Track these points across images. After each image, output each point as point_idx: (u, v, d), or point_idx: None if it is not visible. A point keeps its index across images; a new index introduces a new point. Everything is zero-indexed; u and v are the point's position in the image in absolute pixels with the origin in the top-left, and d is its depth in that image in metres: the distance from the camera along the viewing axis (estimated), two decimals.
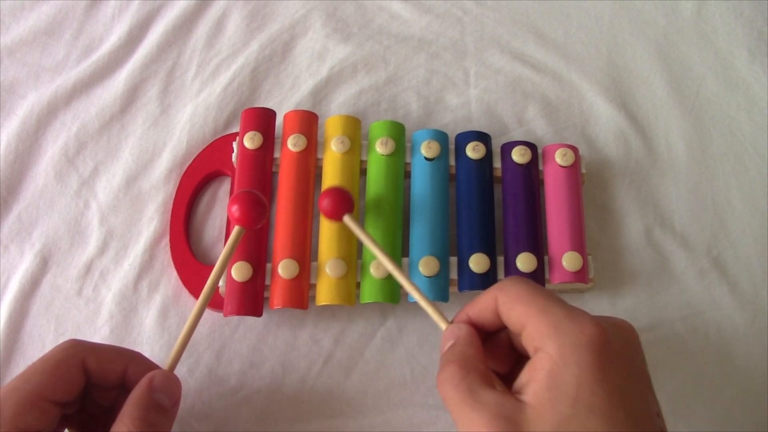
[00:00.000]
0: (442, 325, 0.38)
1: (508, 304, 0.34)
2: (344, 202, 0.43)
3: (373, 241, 0.42)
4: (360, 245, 0.46)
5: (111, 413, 0.36)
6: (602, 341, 0.30)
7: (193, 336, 0.39)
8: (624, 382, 0.30)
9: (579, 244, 0.46)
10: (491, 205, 0.47)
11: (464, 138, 0.49)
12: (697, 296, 0.49)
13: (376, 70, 0.55)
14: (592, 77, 0.56)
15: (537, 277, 0.45)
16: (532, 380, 0.31)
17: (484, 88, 0.55)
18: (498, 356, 0.37)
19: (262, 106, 0.52)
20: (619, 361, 0.31)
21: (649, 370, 0.33)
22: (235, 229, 0.40)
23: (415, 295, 0.39)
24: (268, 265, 0.45)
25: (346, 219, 0.43)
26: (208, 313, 0.46)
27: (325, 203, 0.43)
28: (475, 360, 0.34)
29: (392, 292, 0.44)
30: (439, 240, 0.45)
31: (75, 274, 0.47)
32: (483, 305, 0.35)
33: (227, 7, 0.56)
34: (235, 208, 0.40)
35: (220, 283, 0.45)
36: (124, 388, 0.37)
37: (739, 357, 0.47)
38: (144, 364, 0.38)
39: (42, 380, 0.34)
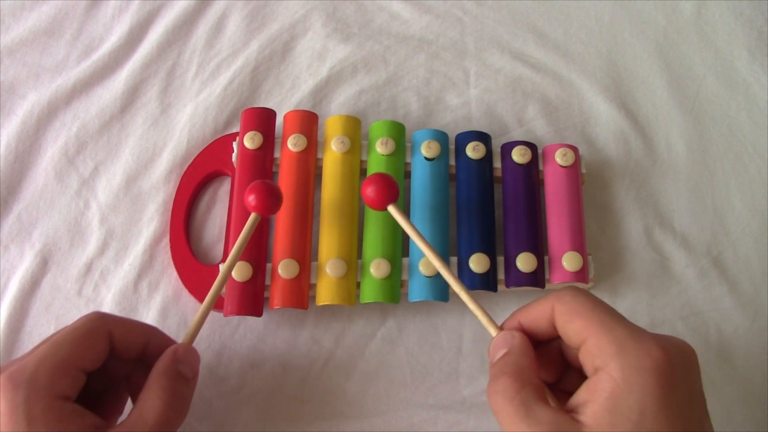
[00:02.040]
0: (492, 331, 0.36)
1: (567, 316, 0.33)
2: (389, 190, 0.41)
3: (419, 234, 0.41)
4: (360, 246, 0.46)
5: (112, 390, 0.39)
6: (667, 366, 0.30)
7: None
8: (684, 408, 0.30)
9: (579, 244, 0.46)
10: (491, 205, 0.47)
11: (464, 138, 0.49)
12: (697, 296, 0.49)
13: (376, 70, 0.55)
14: (592, 77, 0.56)
15: (537, 277, 0.45)
16: (592, 401, 0.30)
17: (484, 88, 0.55)
18: (547, 365, 0.36)
19: (262, 106, 0.52)
20: (681, 386, 0.30)
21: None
22: (252, 216, 0.41)
23: (463, 296, 0.38)
24: (269, 265, 0.45)
25: (391, 208, 0.42)
26: (209, 314, 0.46)
27: (368, 192, 0.41)
28: (530, 372, 0.33)
29: (392, 292, 0.44)
30: (439, 240, 0.45)
31: (75, 274, 0.47)
32: (538, 314, 0.35)
33: (227, 7, 0.56)
34: (252, 197, 0.41)
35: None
36: (140, 361, 0.38)
37: (739, 357, 0.47)
38: (163, 338, 0.39)
39: (73, 348, 0.35)
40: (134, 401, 0.39)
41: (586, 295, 0.34)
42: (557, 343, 0.36)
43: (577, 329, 0.32)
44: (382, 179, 0.42)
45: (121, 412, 0.40)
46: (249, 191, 0.41)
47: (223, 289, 0.44)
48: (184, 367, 0.37)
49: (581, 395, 0.31)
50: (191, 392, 0.37)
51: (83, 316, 0.37)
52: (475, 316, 0.38)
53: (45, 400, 0.32)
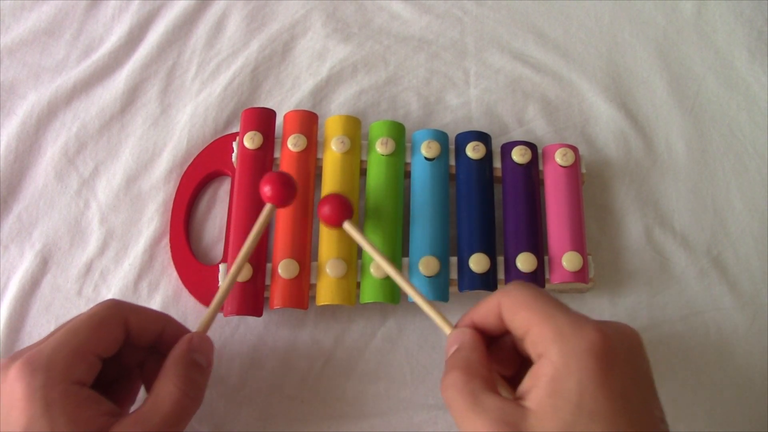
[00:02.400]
0: (446, 330, 0.38)
1: (512, 309, 0.34)
2: (343, 208, 0.43)
3: (373, 246, 0.42)
4: (360, 246, 0.46)
5: (125, 377, 0.39)
6: (605, 348, 0.31)
7: None
8: (626, 388, 0.31)
9: (579, 244, 0.46)
10: (491, 205, 0.47)
11: (464, 138, 0.49)
12: (697, 296, 0.49)
13: (376, 70, 0.55)
14: (592, 77, 0.56)
15: (537, 277, 0.45)
16: (535, 386, 0.31)
17: (484, 88, 0.55)
18: (503, 360, 0.37)
19: (262, 106, 0.52)
20: (621, 367, 0.31)
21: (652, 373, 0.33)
22: (267, 207, 0.42)
23: (418, 300, 0.39)
24: (268, 265, 0.45)
25: (346, 225, 0.43)
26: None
27: (324, 210, 0.43)
28: (478, 365, 0.34)
29: (392, 292, 0.44)
30: (439, 240, 0.45)
31: (75, 274, 0.47)
32: (487, 310, 0.36)
33: (227, 7, 0.56)
34: (267, 188, 0.42)
35: (220, 283, 0.45)
36: (154, 349, 0.39)
37: (739, 357, 0.47)
38: (177, 327, 0.39)
39: (89, 334, 0.35)
40: (147, 389, 0.39)
41: (531, 287, 0.34)
42: (510, 337, 0.37)
43: (521, 320, 0.33)
44: (334, 199, 0.43)
45: (133, 400, 0.40)
46: (264, 182, 0.42)
47: None
48: (199, 356, 0.37)
49: (526, 382, 0.32)
50: (206, 380, 0.38)
51: (99, 303, 0.37)
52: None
53: (62, 385, 0.33)
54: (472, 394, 0.32)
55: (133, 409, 0.39)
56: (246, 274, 0.44)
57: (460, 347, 0.35)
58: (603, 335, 0.31)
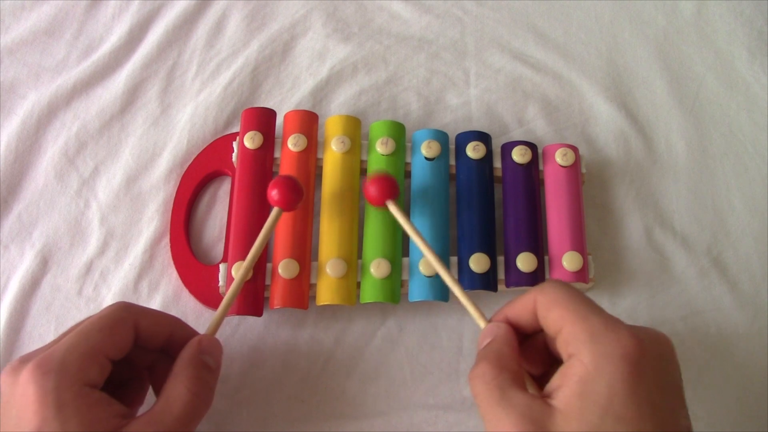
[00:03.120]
0: (481, 323, 0.38)
1: (546, 306, 0.34)
2: (391, 187, 0.43)
3: (416, 230, 0.42)
4: (360, 245, 0.46)
5: (134, 379, 0.39)
6: (638, 354, 0.30)
7: None
8: (655, 395, 0.30)
9: (579, 244, 0.46)
10: (491, 205, 0.47)
11: (464, 138, 0.49)
12: (697, 296, 0.49)
13: (376, 70, 0.55)
14: (592, 77, 0.56)
15: (537, 277, 0.45)
16: (564, 385, 0.31)
17: (484, 88, 0.55)
18: (533, 358, 0.37)
19: (262, 106, 0.52)
20: (652, 374, 0.31)
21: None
22: (274, 210, 0.42)
23: (455, 290, 0.39)
24: (269, 265, 0.45)
25: (390, 205, 0.43)
26: (209, 313, 0.46)
27: (371, 190, 0.43)
28: (509, 359, 0.34)
29: (392, 292, 0.44)
30: (439, 240, 0.45)
31: (75, 274, 0.47)
32: (521, 306, 0.35)
33: (227, 7, 0.56)
34: (275, 192, 0.42)
35: (221, 283, 0.45)
36: (163, 352, 0.39)
37: (739, 357, 0.47)
38: (187, 329, 0.39)
39: (101, 337, 0.35)
40: (156, 391, 0.39)
41: (566, 286, 0.34)
42: (542, 336, 0.37)
43: (555, 318, 0.33)
44: (384, 177, 0.43)
45: (142, 402, 0.40)
46: (272, 186, 0.42)
47: (223, 290, 0.45)
48: (209, 358, 0.37)
49: (555, 381, 0.32)
50: (215, 382, 0.38)
51: (109, 306, 0.37)
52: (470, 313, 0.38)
53: (74, 388, 0.33)
54: (499, 388, 0.32)
55: (141, 410, 0.39)
56: (246, 273, 0.44)
57: (492, 340, 0.35)
58: (637, 341, 0.31)
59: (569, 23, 0.58)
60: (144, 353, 0.38)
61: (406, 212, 0.48)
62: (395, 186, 0.43)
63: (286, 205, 0.42)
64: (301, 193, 0.43)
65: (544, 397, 0.32)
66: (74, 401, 0.32)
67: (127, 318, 0.36)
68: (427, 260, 0.44)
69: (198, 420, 0.36)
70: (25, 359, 0.34)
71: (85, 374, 0.33)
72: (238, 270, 0.43)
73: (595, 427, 0.29)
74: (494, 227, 0.47)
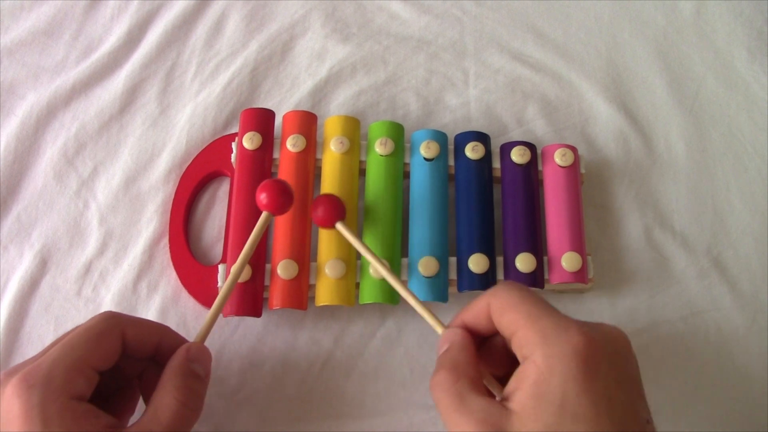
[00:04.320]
0: (438, 329, 0.38)
1: (500, 310, 0.34)
2: (336, 209, 0.43)
3: (367, 247, 0.42)
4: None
5: (124, 389, 0.39)
6: (588, 351, 0.31)
7: None
8: (611, 390, 0.31)
9: (578, 244, 0.46)
10: (491, 205, 0.47)
11: (463, 138, 0.49)
12: (697, 296, 0.49)
13: (376, 70, 0.55)
14: (592, 77, 0.56)
15: (536, 277, 0.45)
16: (519, 388, 0.31)
17: (483, 88, 0.55)
18: (494, 359, 0.37)
19: (261, 106, 0.52)
20: (605, 369, 0.31)
21: (641, 373, 0.33)
22: (263, 215, 0.42)
23: (410, 300, 0.40)
24: (268, 266, 0.45)
25: (339, 226, 0.43)
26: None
27: (317, 212, 0.43)
28: (466, 366, 0.34)
29: (392, 293, 0.44)
30: (438, 240, 0.45)
31: (74, 275, 0.47)
32: (477, 310, 0.36)
33: (226, 7, 0.56)
34: (263, 195, 0.41)
35: (220, 284, 0.45)
36: (152, 361, 0.38)
37: (739, 357, 0.47)
38: (175, 337, 0.39)
39: (87, 348, 0.35)
40: (146, 400, 0.39)
41: (518, 288, 0.35)
42: (500, 338, 0.37)
43: (508, 322, 0.34)
44: (327, 200, 0.43)
45: (132, 412, 0.40)
46: (260, 189, 0.42)
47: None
48: (197, 366, 0.37)
49: (511, 384, 0.32)
50: (204, 390, 0.37)
51: (96, 316, 0.37)
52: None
53: (60, 401, 0.32)
54: (458, 394, 0.32)
55: (132, 420, 0.39)
56: (245, 274, 0.44)
57: (449, 347, 0.36)
58: (587, 338, 0.31)
59: (569, 23, 0.58)
60: (133, 362, 0.38)
61: (405, 213, 0.48)
62: (341, 207, 0.43)
63: (276, 210, 0.42)
64: (291, 197, 0.42)
65: (503, 400, 0.32)
66: (60, 415, 0.32)
67: (113, 328, 0.36)
68: (426, 261, 0.44)
69: (188, 429, 0.36)
70: (11, 372, 0.34)
71: (71, 387, 0.33)
72: (229, 275, 0.43)
73: (552, 427, 0.30)
74: (493, 228, 0.47)
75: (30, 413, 0.32)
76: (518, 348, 0.33)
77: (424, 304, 0.39)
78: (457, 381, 0.33)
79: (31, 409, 0.32)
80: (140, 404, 0.41)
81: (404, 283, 0.41)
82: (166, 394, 0.35)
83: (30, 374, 0.33)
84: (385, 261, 0.43)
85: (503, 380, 0.35)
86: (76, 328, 0.36)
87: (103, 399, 0.36)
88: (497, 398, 0.33)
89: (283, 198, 0.42)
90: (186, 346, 0.37)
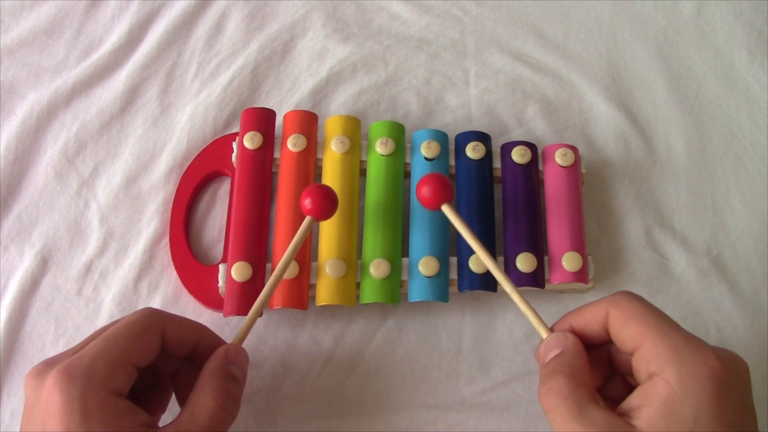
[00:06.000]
0: (542, 332, 0.37)
1: (622, 320, 0.33)
2: (446, 189, 0.42)
3: (472, 233, 0.41)
4: (360, 246, 0.46)
5: (158, 387, 0.39)
6: (723, 375, 0.30)
7: None
8: (738, 419, 0.30)
9: (579, 244, 0.46)
10: (491, 205, 0.47)
11: (464, 138, 0.49)
12: (697, 296, 0.49)
13: (376, 70, 0.55)
14: (592, 77, 0.56)
15: (537, 277, 0.45)
16: (647, 405, 0.30)
17: (484, 88, 0.55)
18: (594, 370, 0.36)
19: (261, 106, 0.52)
20: (735, 397, 0.30)
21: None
22: (306, 219, 0.41)
23: (515, 297, 0.38)
24: (268, 265, 0.45)
25: (445, 208, 0.42)
26: (208, 314, 0.46)
27: (424, 191, 0.42)
28: (584, 374, 0.33)
29: (392, 293, 0.44)
30: (438, 240, 0.45)
31: (75, 275, 0.47)
32: (591, 317, 0.35)
33: (227, 7, 0.56)
34: (308, 201, 0.41)
35: (220, 283, 0.45)
36: (187, 360, 0.38)
37: None
38: (213, 338, 0.39)
39: (128, 344, 0.34)
40: (179, 399, 0.39)
41: (641, 300, 0.34)
42: (606, 348, 0.36)
43: (633, 334, 0.32)
44: (439, 179, 0.42)
45: (165, 409, 0.40)
46: (305, 194, 0.41)
47: (223, 290, 0.45)
48: (235, 368, 0.37)
49: (635, 400, 0.31)
50: (241, 393, 0.37)
51: (137, 312, 0.36)
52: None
53: (100, 395, 0.32)
54: (577, 404, 0.31)
55: (164, 419, 0.39)
56: (246, 274, 0.44)
57: (563, 352, 0.34)
58: (722, 362, 0.30)
59: (569, 23, 0.58)
60: (169, 360, 0.38)
61: (406, 212, 0.48)
62: (451, 188, 0.42)
63: (320, 215, 0.41)
64: (335, 202, 0.42)
65: (622, 415, 0.31)
66: (100, 410, 0.32)
67: (154, 325, 0.36)
68: (426, 261, 0.44)
69: (224, 431, 0.35)
70: (51, 363, 0.33)
71: (112, 382, 0.33)
72: (237, 272, 0.43)
73: None
74: (494, 227, 0.47)
75: (70, 406, 0.31)
76: (644, 363, 0.32)
77: (528, 302, 0.38)
78: (576, 389, 0.32)
79: (72, 402, 0.31)
80: (171, 403, 0.40)
81: (507, 279, 0.39)
82: (205, 395, 0.35)
83: (71, 366, 0.32)
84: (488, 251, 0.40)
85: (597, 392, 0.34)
86: (116, 322, 0.36)
87: (137, 396, 0.36)
88: None
89: (327, 203, 0.41)
90: (225, 347, 0.37)
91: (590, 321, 0.35)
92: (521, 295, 0.38)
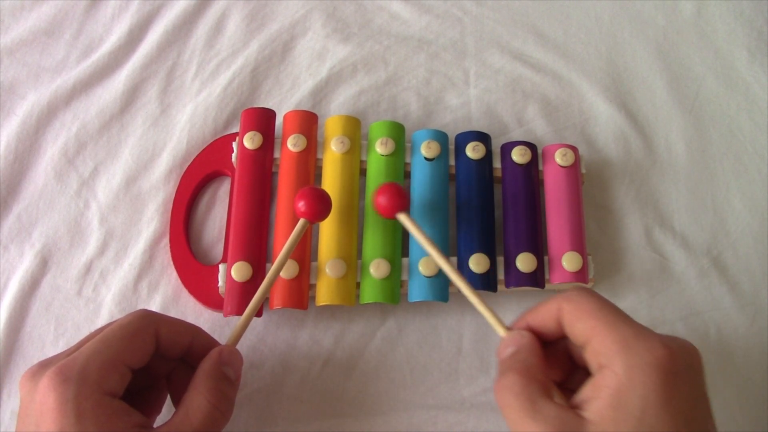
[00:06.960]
0: (500, 330, 0.37)
1: (574, 315, 0.33)
2: (400, 198, 0.42)
3: (428, 238, 0.41)
4: (360, 246, 0.46)
5: (152, 388, 0.39)
6: (670, 364, 0.30)
7: None
8: (688, 406, 0.30)
9: (579, 244, 0.46)
10: (491, 205, 0.47)
11: (464, 138, 0.49)
12: (697, 296, 0.49)
13: (376, 70, 0.55)
14: (592, 77, 0.56)
15: (537, 277, 0.45)
16: (596, 397, 0.31)
17: (484, 88, 0.55)
18: (553, 365, 0.36)
19: (261, 106, 0.52)
20: (684, 385, 0.31)
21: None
22: (300, 222, 0.42)
23: (471, 298, 0.39)
24: (268, 266, 0.45)
25: (401, 216, 0.42)
26: (208, 314, 0.46)
27: (380, 200, 0.43)
28: (537, 370, 0.34)
29: (392, 293, 0.44)
30: (439, 240, 0.45)
31: (75, 275, 0.47)
32: (546, 314, 0.35)
33: (227, 7, 0.56)
34: (301, 203, 0.41)
35: (220, 283, 0.45)
36: (181, 361, 0.38)
37: (739, 357, 0.47)
38: (207, 339, 0.39)
39: (122, 345, 0.34)
40: (173, 400, 0.39)
41: (593, 294, 0.34)
42: (564, 343, 0.36)
43: (584, 328, 0.33)
44: (392, 188, 0.43)
45: (159, 411, 0.40)
46: (298, 197, 0.42)
47: (223, 290, 0.45)
48: (229, 369, 0.37)
49: (585, 392, 0.32)
50: (235, 394, 0.37)
51: (131, 313, 0.37)
52: (476, 317, 0.38)
53: (94, 397, 0.32)
54: (530, 399, 0.32)
55: (159, 419, 0.39)
56: (246, 274, 0.44)
57: (518, 350, 0.35)
58: (669, 351, 0.31)
59: (569, 23, 0.58)
60: (163, 362, 0.38)
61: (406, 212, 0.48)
62: (405, 197, 0.43)
63: (312, 217, 0.42)
64: (329, 205, 0.42)
65: (574, 408, 0.31)
66: (94, 411, 0.32)
67: (148, 326, 0.36)
68: (427, 260, 0.44)
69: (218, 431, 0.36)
70: (45, 365, 0.34)
71: (106, 383, 0.33)
72: (237, 272, 0.43)
73: None
74: (494, 227, 0.47)
75: (64, 407, 0.31)
76: (594, 356, 0.32)
77: (485, 301, 0.38)
78: (528, 385, 0.32)
79: (66, 403, 0.32)
80: (167, 405, 0.41)
81: (463, 280, 0.40)
82: (198, 396, 0.35)
83: (66, 368, 0.33)
84: (447, 256, 0.41)
85: (558, 386, 0.35)
86: (111, 324, 0.36)
87: (132, 397, 0.36)
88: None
89: (320, 205, 0.42)
90: (219, 348, 0.37)
91: (545, 318, 0.35)
92: (478, 295, 0.39)
